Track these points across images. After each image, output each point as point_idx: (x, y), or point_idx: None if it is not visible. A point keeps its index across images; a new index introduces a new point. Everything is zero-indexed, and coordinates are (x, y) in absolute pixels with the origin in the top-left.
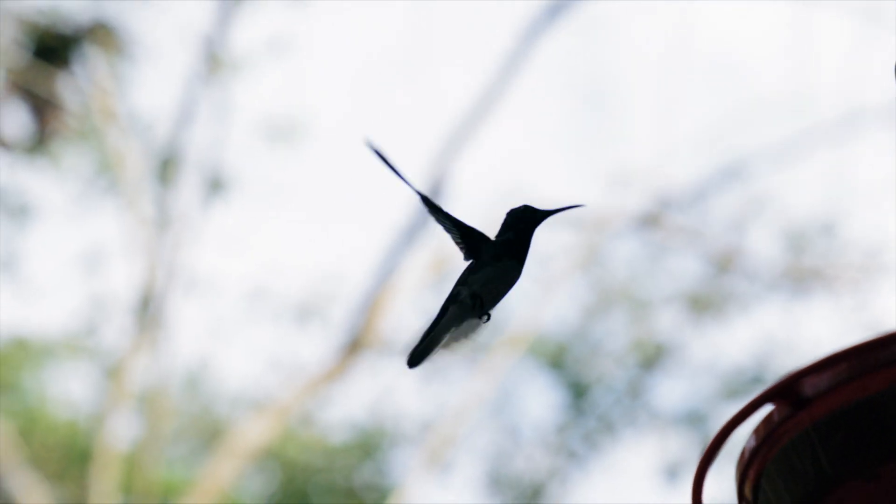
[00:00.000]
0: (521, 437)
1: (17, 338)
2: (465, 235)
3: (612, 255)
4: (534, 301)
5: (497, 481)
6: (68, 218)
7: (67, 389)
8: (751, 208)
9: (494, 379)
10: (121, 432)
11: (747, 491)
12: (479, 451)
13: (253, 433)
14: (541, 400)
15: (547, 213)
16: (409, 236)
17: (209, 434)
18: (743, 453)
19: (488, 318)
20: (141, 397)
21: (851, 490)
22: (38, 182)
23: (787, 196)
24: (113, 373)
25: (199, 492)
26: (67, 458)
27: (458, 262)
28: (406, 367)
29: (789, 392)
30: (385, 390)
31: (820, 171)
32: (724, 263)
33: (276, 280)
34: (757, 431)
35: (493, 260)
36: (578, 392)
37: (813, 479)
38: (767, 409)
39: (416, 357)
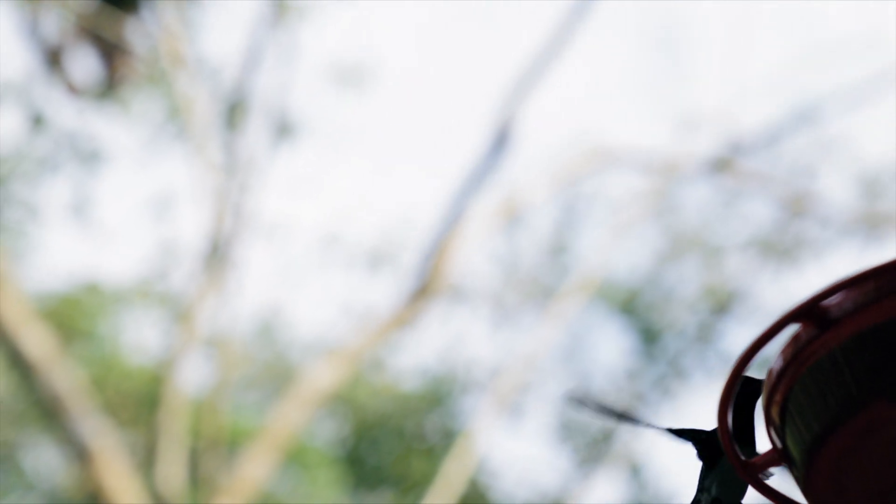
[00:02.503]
0: (591, 382)
1: (89, 283)
2: (700, 442)
3: (683, 199)
4: (604, 246)
5: (566, 427)
6: (138, 163)
7: (140, 336)
8: (823, 152)
9: (564, 324)
10: (191, 378)
11: (774, 414)
12: (548, 396)
13: (324, 379)
14: (612, 345)
15: None
16: (478, 181)
17: (281, 380)
18: (769, 374)
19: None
20: (211, 343)
21: (878, 412)
22: (108, 127)
23: (860, 139)
24: (182, 319)
25: (270, 436)
26: (139, 404)
27: (526, 208)
28: None
29: (815, 312)
30: (455, 336)
31: (894, 113)
32: (797, 208)
33: (345, 225)
34: (784, 352)
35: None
36: (650, 338)
37: (840, 400)
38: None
39: None
